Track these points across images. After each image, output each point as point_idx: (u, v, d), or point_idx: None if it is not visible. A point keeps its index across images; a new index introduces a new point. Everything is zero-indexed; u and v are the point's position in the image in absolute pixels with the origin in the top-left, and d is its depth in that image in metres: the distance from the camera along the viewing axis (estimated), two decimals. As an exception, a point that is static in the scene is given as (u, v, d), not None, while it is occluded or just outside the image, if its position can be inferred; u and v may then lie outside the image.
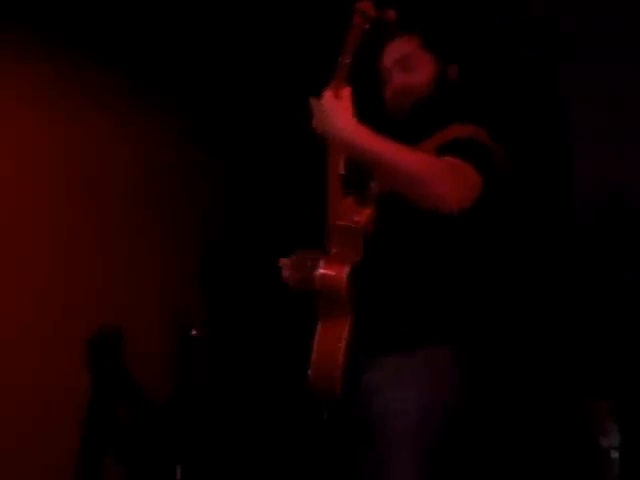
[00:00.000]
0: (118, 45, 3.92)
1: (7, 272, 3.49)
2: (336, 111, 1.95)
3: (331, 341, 2.12)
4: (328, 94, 1.97)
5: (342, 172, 2.22)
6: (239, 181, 4.29)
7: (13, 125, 3.60)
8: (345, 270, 2.07)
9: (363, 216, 2.16)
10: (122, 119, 3.98)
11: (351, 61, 1.97)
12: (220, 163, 4.30)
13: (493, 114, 2.43)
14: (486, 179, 2.03)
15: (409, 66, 2.21)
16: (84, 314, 3.68)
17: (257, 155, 4.16)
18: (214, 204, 4.27)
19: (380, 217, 2.16)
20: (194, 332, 3.47)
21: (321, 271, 2.10)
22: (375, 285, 2.14)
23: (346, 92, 1.98)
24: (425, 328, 2.10)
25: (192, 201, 4.22)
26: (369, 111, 2.26)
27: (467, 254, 2.15)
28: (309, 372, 2.15)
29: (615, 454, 2.73)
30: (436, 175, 1.93)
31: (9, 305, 3.47)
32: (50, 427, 3.51)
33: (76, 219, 3.75)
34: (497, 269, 2.27)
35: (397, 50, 2.25)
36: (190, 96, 4.21)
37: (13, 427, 3.43)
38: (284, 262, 2.32)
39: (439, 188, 1.92)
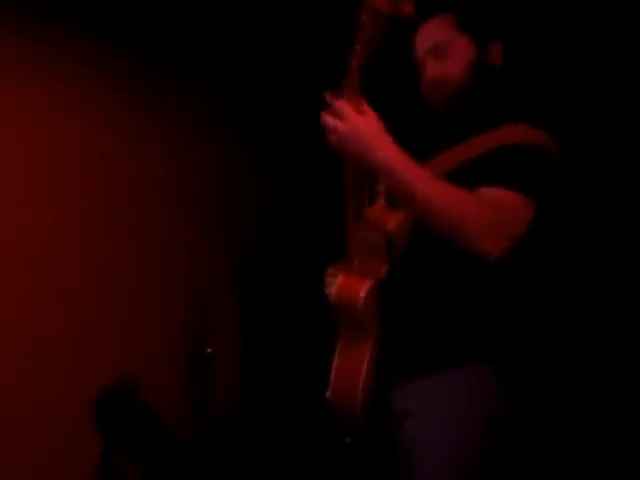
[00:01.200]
0: (159, 39, 3.76)
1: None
2: (368, 130, 1.78)
3: (351, 361, 1.95)
4: (347, 108, 1.79)
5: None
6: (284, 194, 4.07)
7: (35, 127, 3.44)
8: (364, 286, 1.89)
9: (391, 223, 1.96)
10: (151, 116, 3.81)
11: (362, 64, 1.78)
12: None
13: (550, 104, 2.16)
14: (538, 203, 1.84)
15: (442, 53, 1.98)
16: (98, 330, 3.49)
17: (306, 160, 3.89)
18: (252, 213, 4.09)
19: (412, 223, 1.95)
20: (209, 350, 3.30)
21: (337, 287, 1.93)
22: (403, 299, 1.96)
23: (365, 107, 1.81)
24: (459, 346, 1.91)
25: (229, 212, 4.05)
26: (406, 105, 2.08)
27: (507, 270, 1.93)
28: (327, 394, 1.99)
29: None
30: (477, 222, 1.76)
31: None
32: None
33: (92, 229, 3.56)
34: (540, 282, 2.06)
35: (429, 37, 2.02)
36: (239, 94, 4.05)
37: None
38: (331, 272, 2.08)
39: (478, 237, 1.76)
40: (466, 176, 1.87)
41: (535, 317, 2.16)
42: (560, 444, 2.71)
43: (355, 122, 1.78)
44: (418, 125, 2.09)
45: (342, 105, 1.79)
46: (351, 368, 1.94)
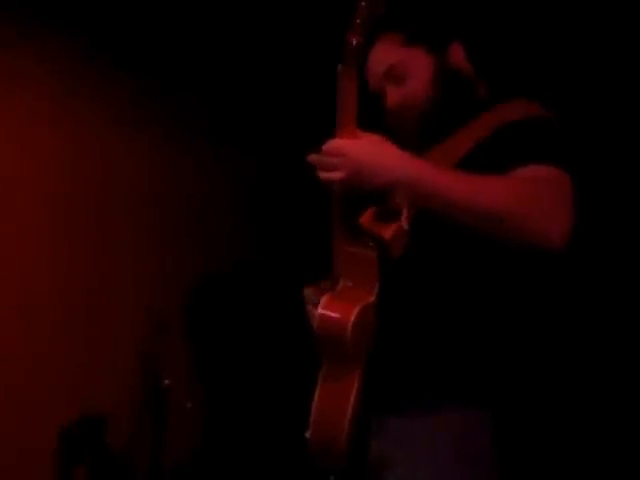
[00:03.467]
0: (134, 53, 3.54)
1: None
2: (374, 149, 1.56)
3: (336, 397, 1.69)
4: (342, 141, 1.58)
5: None
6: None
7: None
8: (353, 311, 1.62)
9: (387, 232, 1.69)
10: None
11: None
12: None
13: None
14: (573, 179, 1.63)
15: (401, 75, 1.80)
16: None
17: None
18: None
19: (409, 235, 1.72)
20: (167, 382, 3.02)
21: (321, 311, 1.66)
22: (393, 326, 1.71)
23: (359, 132, 1.60)
24: (453, 384, 1.69)
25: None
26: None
27: (526, 291, 1.73)
28: (307, 435, 1.73)
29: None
30: (537, 209, 1.53)
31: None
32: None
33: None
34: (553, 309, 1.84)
35: (380, 62, 1.82)
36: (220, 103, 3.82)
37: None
38: (309, 293, 1.87)
39: (542, 226, 1.53)
40: (476, 165, 1.64)
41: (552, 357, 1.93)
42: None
43: (360, 150, 1.57)
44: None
45: (334, 142, 1.58)
46: (336, 404, 1.69)
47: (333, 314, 1.65)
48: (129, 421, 3.21)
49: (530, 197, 1.54)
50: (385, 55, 1.82)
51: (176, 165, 3.70)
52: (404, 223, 1.68)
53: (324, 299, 1.68)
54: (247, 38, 3.65)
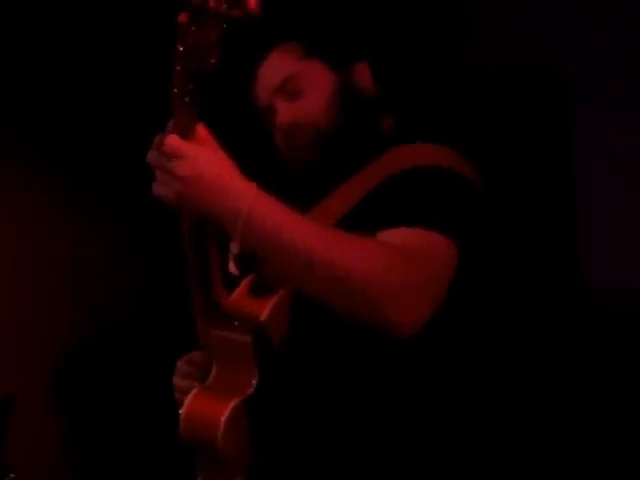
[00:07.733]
0: None
1: None
2: (220, 167, 1.21)
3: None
4: (183, 143, 1.19)
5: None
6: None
7: None
8: (225, 409, 1.31)
9: (262, 311, 1.38)
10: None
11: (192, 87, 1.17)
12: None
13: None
14: (463, 246, 1.36)
15: (296, 89, 1.53)
16: None
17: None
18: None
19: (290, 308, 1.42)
20: (12, 476, 2.60)
21: (185, 411, 1.34)
22: (283, 416, 1.42)
23: (202, 131, 1.23)
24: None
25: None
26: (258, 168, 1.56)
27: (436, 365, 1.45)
28: None
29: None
30: (386, 280, 1.25)
31: None
32: None
33: None
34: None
35: (273, 73, 1.55)
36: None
37: None
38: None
39: (388, 302, 1.25)
40: (361, 223, 1.38)
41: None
42: None
43: (200, 158, 1.20)
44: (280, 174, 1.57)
45: (174, 139, 1.19)
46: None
47: (201, 414, 1.34)
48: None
49: (390, 267, 1.27)
50: (280, 66, 1.56)
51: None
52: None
53: (191, 395, 1.37)
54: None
